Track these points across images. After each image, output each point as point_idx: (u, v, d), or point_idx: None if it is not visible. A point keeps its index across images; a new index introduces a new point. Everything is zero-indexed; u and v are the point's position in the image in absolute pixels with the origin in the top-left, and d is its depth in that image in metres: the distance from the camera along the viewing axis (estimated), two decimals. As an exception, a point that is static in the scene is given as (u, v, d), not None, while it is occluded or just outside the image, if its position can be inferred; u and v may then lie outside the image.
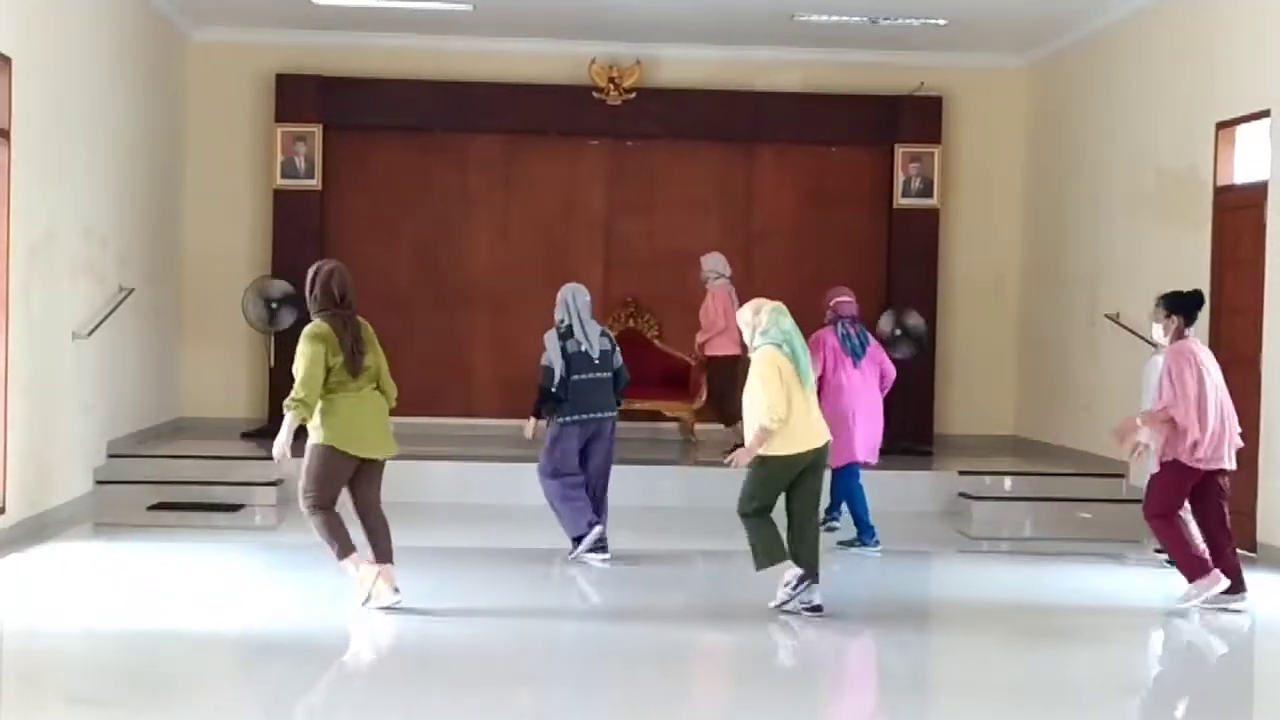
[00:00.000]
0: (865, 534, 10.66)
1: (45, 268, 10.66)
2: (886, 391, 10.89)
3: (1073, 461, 13.47)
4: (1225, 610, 8.91)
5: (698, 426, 14.25)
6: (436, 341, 15.07)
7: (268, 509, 11.96)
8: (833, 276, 15.20)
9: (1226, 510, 9.04)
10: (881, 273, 15.21)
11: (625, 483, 11.84)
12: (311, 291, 8.35)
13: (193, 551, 10.08)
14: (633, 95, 14.87)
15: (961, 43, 14.63)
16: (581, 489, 9.88)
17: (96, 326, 11.54)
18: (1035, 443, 14.57)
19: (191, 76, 14.81)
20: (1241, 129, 11.23)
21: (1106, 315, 13.05)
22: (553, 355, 9.79)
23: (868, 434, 10.69)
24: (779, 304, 8.70)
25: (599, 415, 9.88)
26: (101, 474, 11.91)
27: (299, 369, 8.16)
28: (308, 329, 8.27)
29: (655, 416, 14.28)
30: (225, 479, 12.06)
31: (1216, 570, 8.88)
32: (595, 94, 14.85)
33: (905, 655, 8.19)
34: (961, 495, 12.55)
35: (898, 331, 14.27)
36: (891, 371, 10.88)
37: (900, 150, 15.03)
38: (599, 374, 9.86)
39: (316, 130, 14.67)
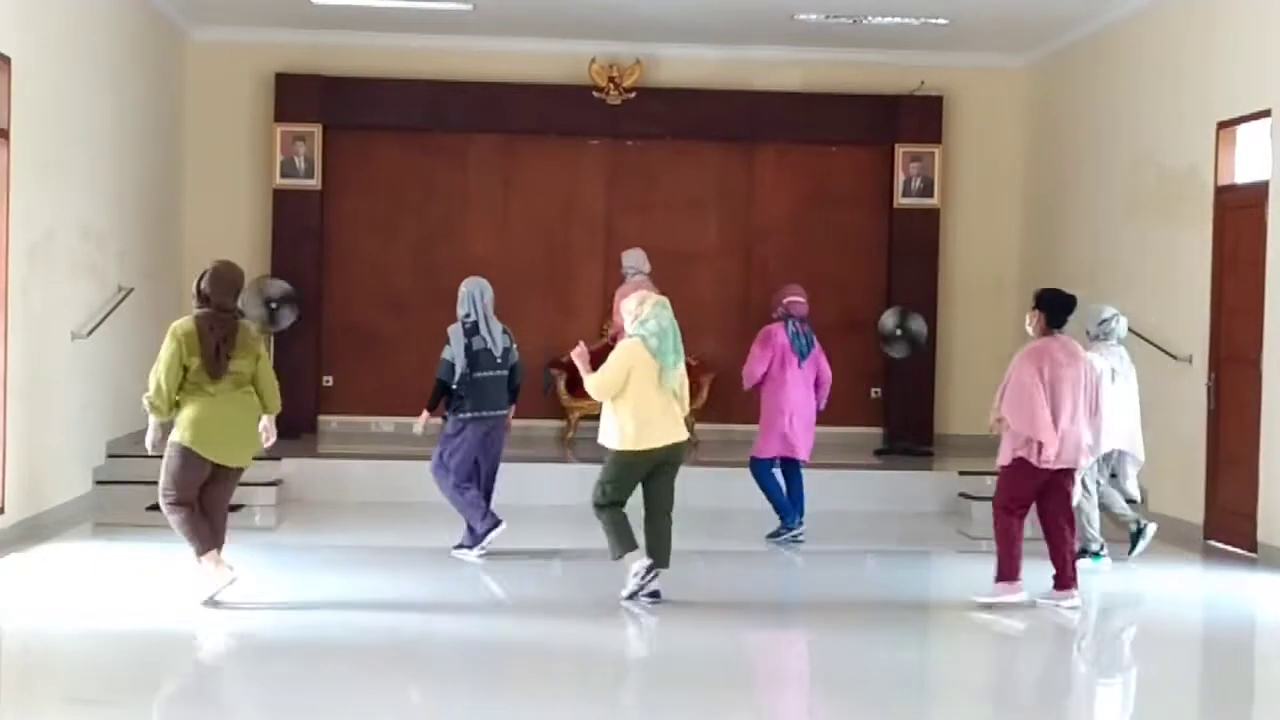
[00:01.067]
0: (787, 518, 10.82)
1: (45, 267, 10.65)
2: (823, 395, 10.95)
3: (1073, 461, 13.46)
4: (1059, 608, 8.83)
5: (697, 426, 14.23)
6: (436, 341, 15.00)
7: (268, 509, 11.95)
8: (833, 276, 15.27)
9: (1069, 508, 8.93)
10: (881, 273, 15.21)
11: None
12: (195, 290, 8.37)
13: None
14: (633, 95, 14.86)
15: (961, 43, 14.63)
16: (473, 485, 9.94)
17: (96, 326, 11.54)
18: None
19: (191, 76, 14.80)
20: (1242, 129, 11.23)
21: (1107, 315, 13.04)
22: (456, 351, 9.83)
23: (799, 432, 10.79)
24: (663, 298, 8.86)
25: (498, 413, 9.93)
26: (101, 474, 11.90)
27: (155, 367, 8.21)
28: (172, 326, 8.30)
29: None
30: (225, 479, 12.02)
31: (1020, 584, 8.81)
32: (595, 94, 14.85)
33: (901, 655, 8.19)
34: (961, 495, 12.55)
35: (898, 332, 14.27)
36: (828, 376, 10.97)
37: (900, 150, 15.03)
38: (499, 371, 9.93)
39: (316, 130, 14.67)
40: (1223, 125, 11.34)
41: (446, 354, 9.87)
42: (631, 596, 8.66)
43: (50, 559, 9.73)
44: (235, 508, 11.72)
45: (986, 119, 15.35)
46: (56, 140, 10.84)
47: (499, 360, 9.91)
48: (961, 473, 12.85)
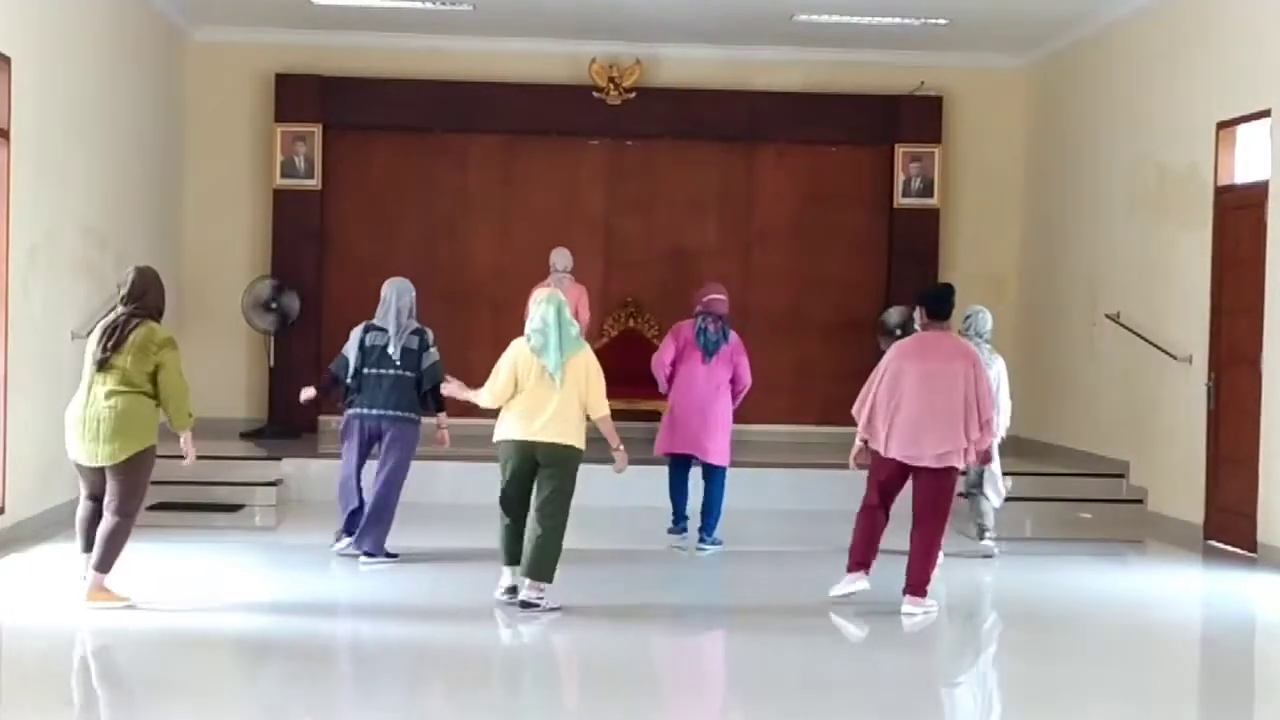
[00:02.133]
0: (674, 519, 10.70)
1: (45, 267, 10.65)
2: (739, 396, 10.70)
3: (1073, 461, 13.48)
4: (899, 609, 8.68)
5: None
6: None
7: (268, 509, 11.95)
8: (833, 276, 15.29)
9: (931, 514, 8.70)
10: (881, 273, 15.21)
11: (624, 482, 11.86)
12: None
13: (193, 551, 10.06)
14: (633, 95, 14.87)
15: (961, 43, 14.63)
16: (353, 494, 9.87)
17: (96, 326, 11.52)
18: (1035, 443, 14.57)
19: (191, 76, 14.80)
20: (1242, 129, 11.23)
21: (1106, 315, 13.06)
22: (350, 345, 9.85)
23: (696, 430, 10.50)
24: (552, 295, 8.70)
25: (381, 412, 9.76)
26: (101, 474, 11.89)
27: None
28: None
29: (655, 416, 14.25)
30: (225, 479, 12.04)
31: (855, 576, 8.68)
32: (595, 94, 14.85)
33: (901, 655, 8.19)
34: (962, 495, 12.51)
35: (898, 332, 14.27)
36: (744, 378, 10.65)
37: (900, 150, 15.04)
38: (396, 372, 9.76)
39: (316, 130, 14.68)
40: (1223, 125, 11.34)
41: (345, 348, 9.90)
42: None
43: (50, 559, 9.72)
44: (235, 508, 11.78)
45: (986, 119, 15.35)
46: (56, 140, 10.84)
47: (396, 361, 9.75)
48: (962, 473, 12.78)
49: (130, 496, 8.11)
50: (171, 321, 14.43)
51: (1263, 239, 10.65)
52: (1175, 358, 11.79)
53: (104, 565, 8.09)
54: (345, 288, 14.85)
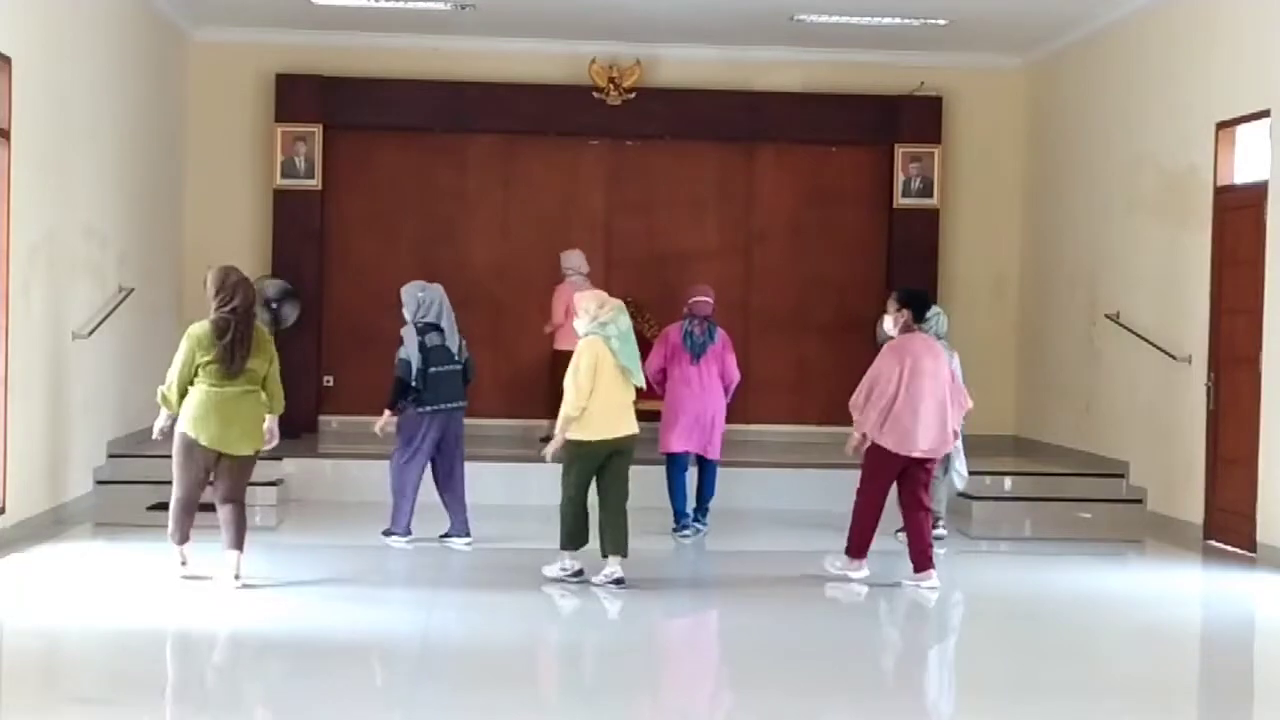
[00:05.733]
0: (677, 518, 10.96)
1: (45, 268, 10.66)
2: (729, 390, 11.07)
3: (1073, 461, 13.48)
4: (919, 588, 9.17)
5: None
6: (436, 341, 15.04)
7: (268, 509, 11.95)
8: (832, 276, 15.30)
9: (924, 497, 9.24)
10: (881, 273, 15.20)
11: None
12: (213, 293, 8.74)
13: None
14: (633, 95, 14.87)
15: (961, 43, 14.63)
16: (415, 490, 10.29)
17: (96, 326, 11.54)
18: (1035, 443, 14.58)
19: (191, 76, 14.81)
20: (1241, 129, 11.23)
21: (1106, 315, 13.06)
22: (410, 350, 10.20)
23: (694, 429, 10.87)
24: (622, 304, 9.31)
25: (453, 405, 10.32)
26: (101, 474, 11.91)
27: (172, 365, 8.70)
28: (188, 329, 8.76)
29: (656, 416, 14.25)
30: (225, 479, 12.03)
31: (862, 563, 9.22)
32: (595, 94, 14.85)
33: (898, 654, 8.19)
34: (961, 495, 12.52)
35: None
36: (732, 375, 11.04)
37: (900, 150, 15.04)
38: (454, 366, 10.34)
39: (316, 130, 14.68)
40: (1222, 125, 11.35)
41: (402, 353, 10.24)
42: (553, 578, 9.05)
43: (50, 559, 9.73)
44: (236, 508, 11.78)
45: (986, 119, 15.35)
46: (56, 140, 10.84)
47: (456, 356, 10.32)
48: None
49: (245, 483, 8.90)
50: (172, 321, 14.53)
51: (1262, 239, 10.66)
52: (1175, 358, 11.80)
53: (241, 544, 8.79)
54: (345, 288, 14.88)
